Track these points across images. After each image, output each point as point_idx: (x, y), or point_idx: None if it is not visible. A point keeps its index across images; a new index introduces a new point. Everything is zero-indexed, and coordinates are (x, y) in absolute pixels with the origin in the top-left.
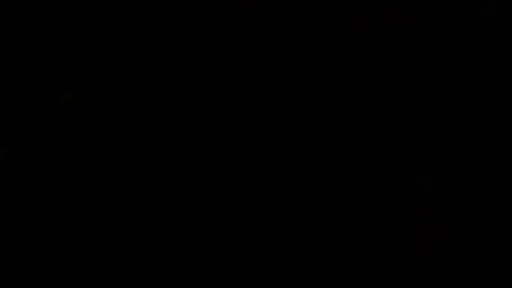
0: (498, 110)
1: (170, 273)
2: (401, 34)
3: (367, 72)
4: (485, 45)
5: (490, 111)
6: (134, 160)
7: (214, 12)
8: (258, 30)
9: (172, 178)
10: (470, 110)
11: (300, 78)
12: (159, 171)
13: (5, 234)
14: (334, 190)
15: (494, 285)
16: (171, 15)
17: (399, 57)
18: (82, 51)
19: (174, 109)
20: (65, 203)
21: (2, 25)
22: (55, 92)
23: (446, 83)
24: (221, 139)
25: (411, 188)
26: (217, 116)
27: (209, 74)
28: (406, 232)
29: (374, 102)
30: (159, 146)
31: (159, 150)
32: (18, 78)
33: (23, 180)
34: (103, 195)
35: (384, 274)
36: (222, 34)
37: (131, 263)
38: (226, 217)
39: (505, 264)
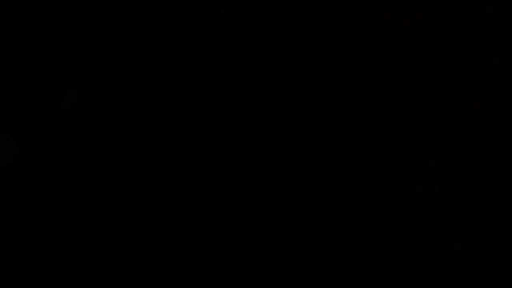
0: (498, 110)
1: (170, 273)
2: (401, 34)
3: (367, 72)
4: (485, 45)
5: (490, 111)
6: (133, 160)
7: (214, 12)
8: (258, 30)
9: (172, 178)
10: (470, 110)
11: (300, 78)
12: (159, 171)
13: (5, 234)
14: (334, 190)
15: (494, 285)
16: (171, 15)
17: (399, 57)
18: (82, 51)
19: (174, 109)
20: (66, 203)
21: (2, 25)
22: (55, 92)
23: (446, 83)
24: (221, 139)
25: (411, 188)
26: (217, 116)
27: (209, 74)
28: (406, 232)
29: (374, 102)
30: (158, 146)
31: (159, 150)
32: (18, 79)
33: (23, 180)
34: (105, 195)
35: (384, 274)
36: (222, 34)
37: (132, 263)
38: (226, 217)
39: (505, 264)
